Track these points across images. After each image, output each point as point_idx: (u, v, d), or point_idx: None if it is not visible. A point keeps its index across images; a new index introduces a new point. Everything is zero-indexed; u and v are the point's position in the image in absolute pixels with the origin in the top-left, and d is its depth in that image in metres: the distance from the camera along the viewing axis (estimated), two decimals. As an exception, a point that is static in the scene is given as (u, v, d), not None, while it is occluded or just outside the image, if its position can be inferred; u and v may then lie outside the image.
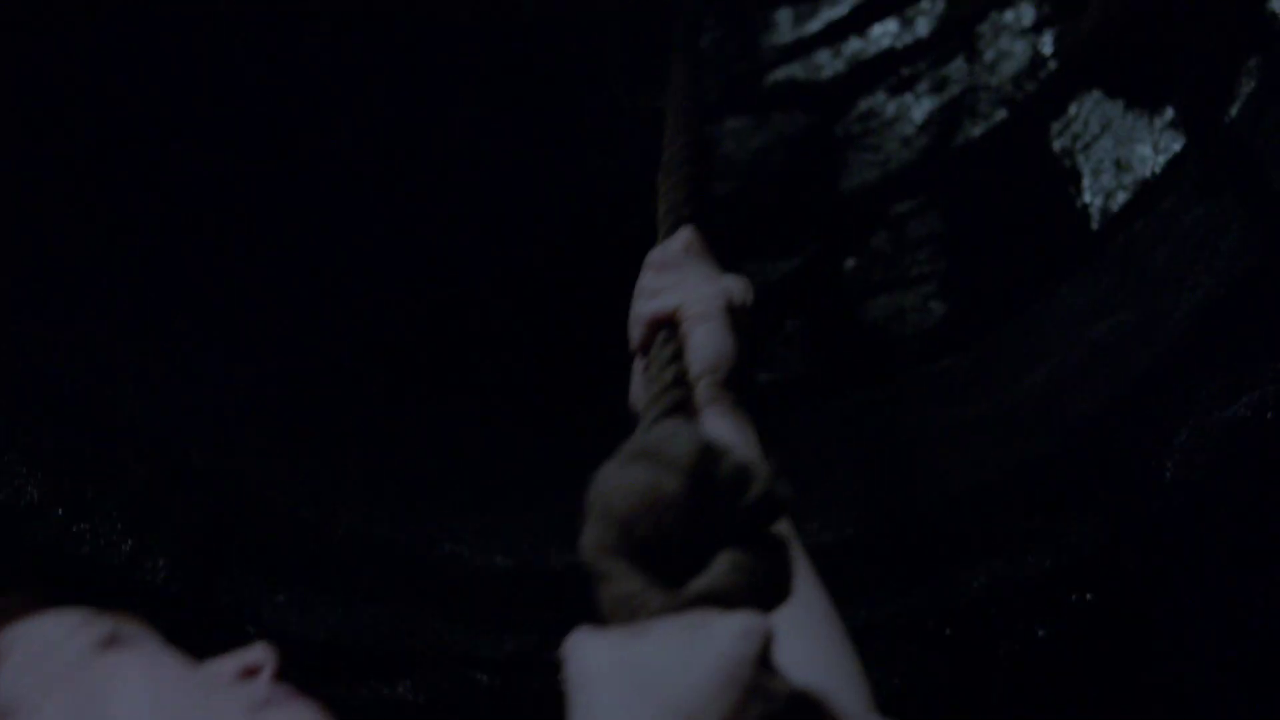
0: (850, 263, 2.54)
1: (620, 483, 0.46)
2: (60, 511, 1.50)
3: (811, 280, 2.56)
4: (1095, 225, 2.01)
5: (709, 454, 0.46)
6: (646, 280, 1.00)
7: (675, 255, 1.02)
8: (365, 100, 2.45)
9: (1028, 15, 2.44)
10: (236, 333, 1.93)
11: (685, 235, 1.05)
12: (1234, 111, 1.75)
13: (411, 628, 1.73)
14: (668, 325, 0.94)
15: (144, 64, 1.97)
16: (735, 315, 0.95)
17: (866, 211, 2.55)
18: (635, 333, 0.98)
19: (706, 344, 0.92)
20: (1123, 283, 1.84)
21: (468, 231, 2.40)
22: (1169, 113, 1.93)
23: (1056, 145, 2.19)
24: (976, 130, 2.46)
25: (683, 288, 0.97)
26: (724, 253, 1.08)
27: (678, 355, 0.89)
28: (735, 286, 0.98)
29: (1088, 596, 1.63)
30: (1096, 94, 2.15)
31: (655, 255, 1.03)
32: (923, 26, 2.67)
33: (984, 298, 2.24)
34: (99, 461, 1.58)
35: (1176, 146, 1.88)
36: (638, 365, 0.99)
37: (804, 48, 2.85)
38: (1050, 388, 1.83)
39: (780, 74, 2.85)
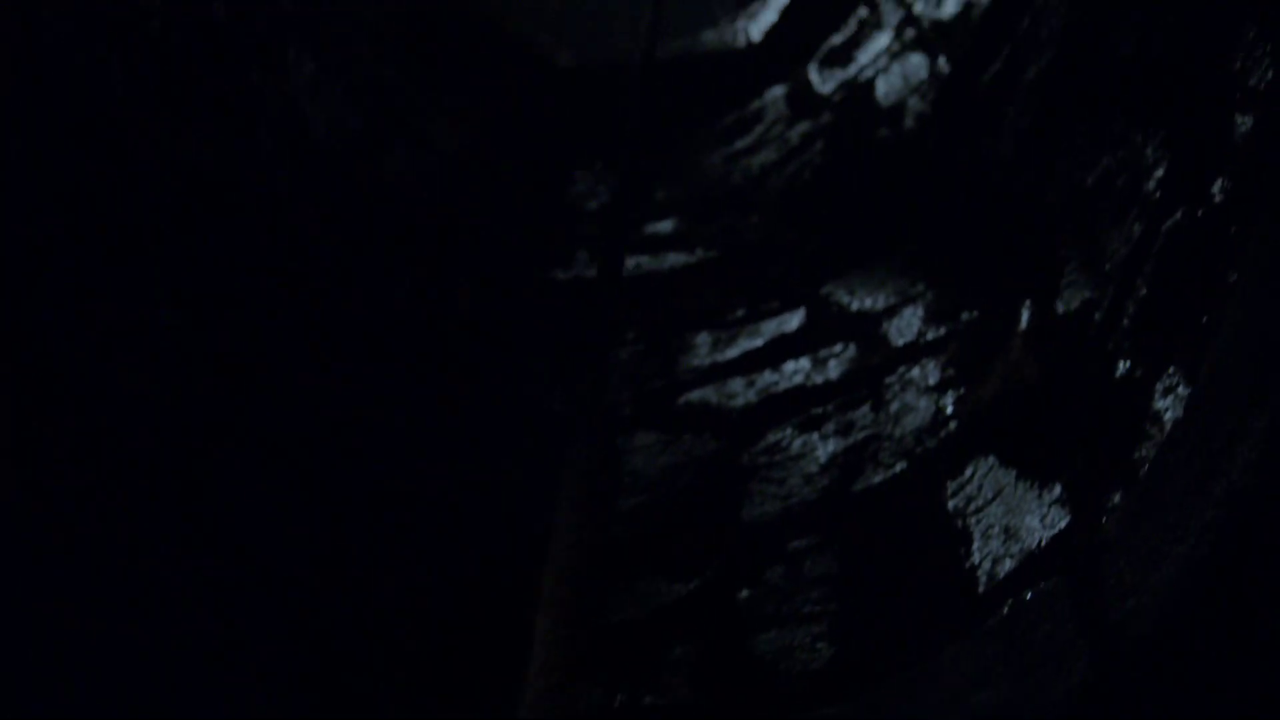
0: (744, 593, 2.50)
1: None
2: None
3: (704, 606, 2.52)
4: (982, 589, 2.01)
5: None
6: None
7: None
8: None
9: (933, 374, 2.51)
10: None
11: None
12: (1118, 496, 1.78)
13: None
14: None
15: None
16: None
17: (765, 544, 2.54)
18: None
19: None
20: (1005, 654, 1.82)
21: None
22: (1058, 489, 1.96)
23: (951, 504, 2.21)
24: (877, 478, 2.48)
25: None
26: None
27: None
28: None
29: None
30: (992, 459, 2.19)
31: None
32: (834, 369, 2.74)
33: (872, 647, 2.20)
34: None
35: (1062, 524, 1.89)
36: None
37: (719, 373, 2.91)
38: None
39: (694, 396, 2.89)
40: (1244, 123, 1.79)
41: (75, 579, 1.77)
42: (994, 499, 2.13)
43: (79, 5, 2.23)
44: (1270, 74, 1.72)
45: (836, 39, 4.20)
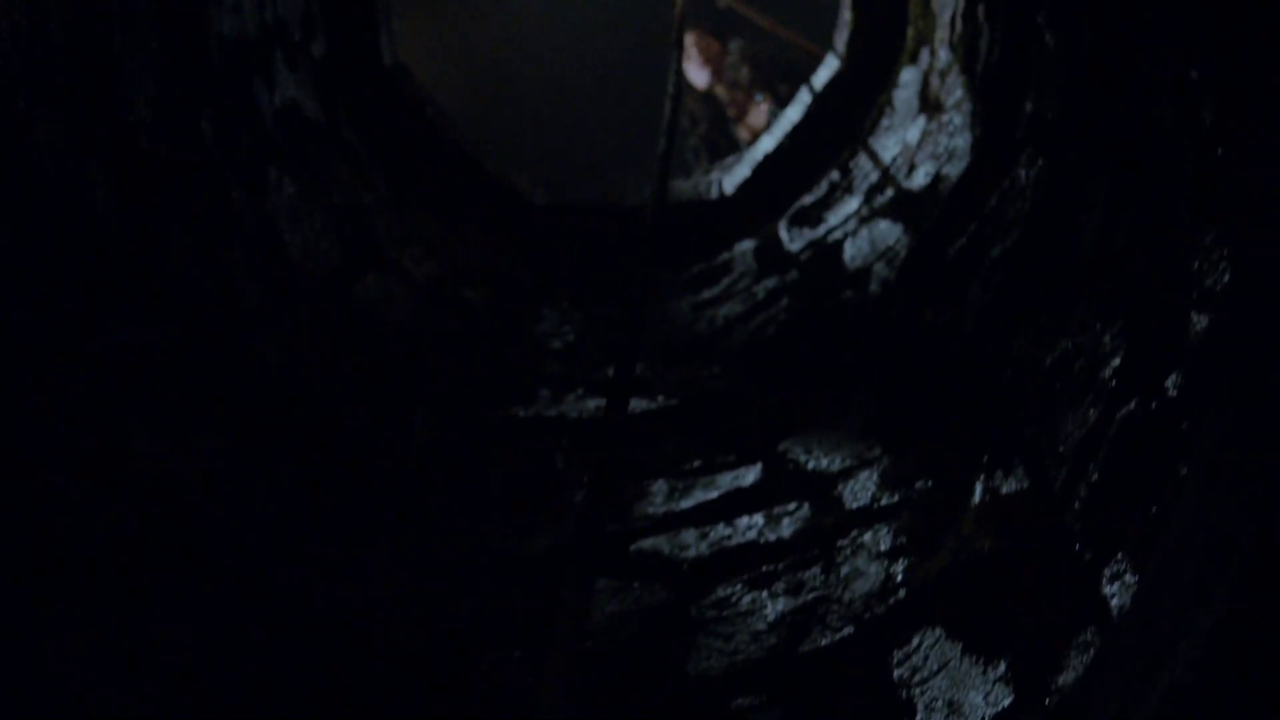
0: (686, 750, 2.48)
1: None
2: None
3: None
4: (926, 767, 2.00)
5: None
6: None
7: None
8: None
9: (885, 540, 2.53)
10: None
11: None
12: (1062, 679, 1.80)
13: None
14: None
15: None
16: None
17: (709, 700, 2.52)
18: None
19: None
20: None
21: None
22: (1003, 667, 1.97)
23: (896, 674, 2.21)
24: (824, 641, 2.48)
25: None
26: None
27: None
28: None
29: None
30: (939, 631, 2.20)
31: None
32: (787, 527, 2.75)
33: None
34: None
35: (1006, 702, 1.90)
36: None
37: (673, 523, 2.91)
38: None
39: (647, 544, 2.88)
40: (1199, 321, 1.85)
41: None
42: (939, 671, 2.14)
43: (69, 114, 2.26)
44: (1226, 277, 1.78)
45: (807, 199, 4.30)
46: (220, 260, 2.84)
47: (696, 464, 3.12)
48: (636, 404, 3.41)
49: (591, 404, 3.43)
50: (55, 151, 2.15)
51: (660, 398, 3.46)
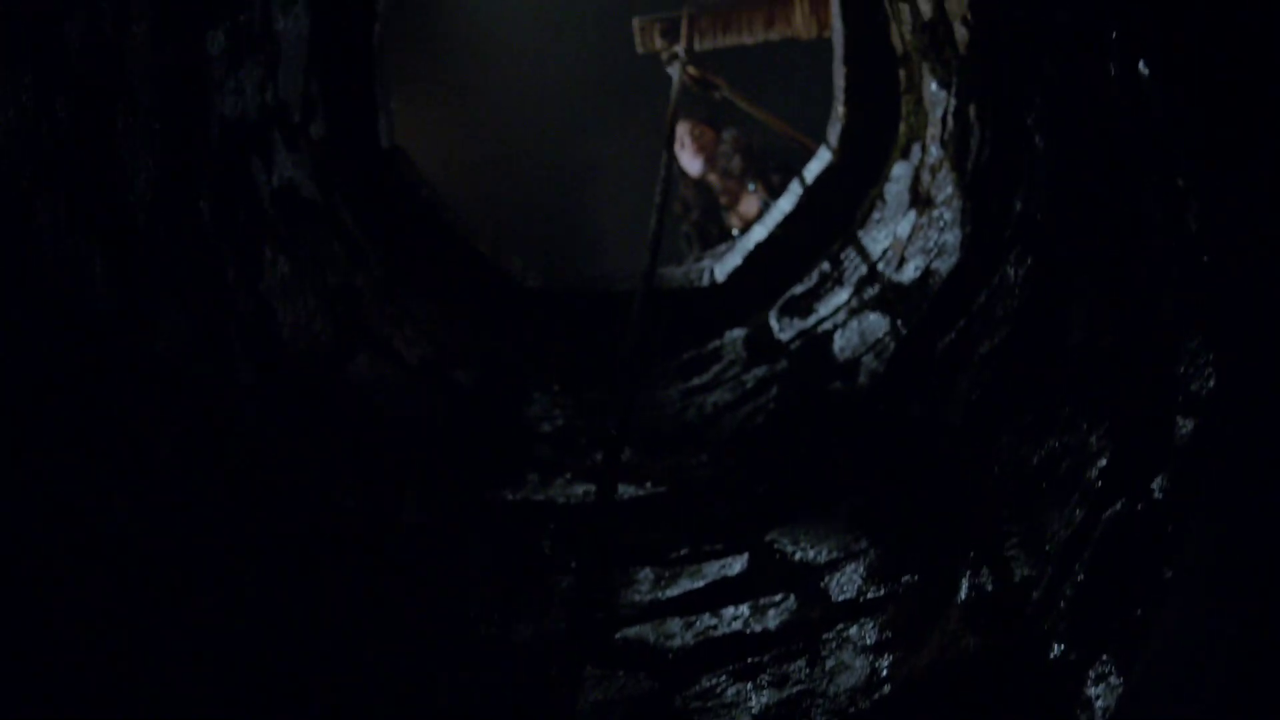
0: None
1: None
2: None
3: None
4: None
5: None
6: None
7: None
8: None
9: (870, 634, 2.52)
10: None
11: None
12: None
13: None
14: None
15: None
16: None
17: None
18: None
19: None
20: None
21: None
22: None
23: (882, 774, 2.19)
24: (809, 736, 2.46)
25: None
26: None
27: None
28: None
29: None
30: (925, 729, 2.19)
31: None
32: (773, 619, 2.74)
33: None
34: None
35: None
36: None
37: (659, 611, 2.90)
38: None
39: (632, 632, 2.87)
40: (1185, 425, 1.86)
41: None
42: (928, 770, 2.12)
43: (70, 192, 2.29)
44: (1211, 383, 1.80)
45: (798, 288, 4.33)
46: (214, 339, 2.85)
47: (683, 552, 3.12)
48: (624, 490, 3.41)
49: (580, 489, 3.43)
50: (55, 229, 2.17)
51: (648, 484, 3.46)
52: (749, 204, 7.42)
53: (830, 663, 2.55)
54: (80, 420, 2.18)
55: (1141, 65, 1.93)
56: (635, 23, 7.00)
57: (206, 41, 3.08)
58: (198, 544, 2.40)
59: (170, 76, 2.83)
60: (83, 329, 2.25)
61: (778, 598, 2.80)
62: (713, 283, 4.69)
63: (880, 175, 4.24)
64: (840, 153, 4.48)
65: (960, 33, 3.28)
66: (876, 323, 3.66)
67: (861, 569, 2.80)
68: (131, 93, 2.61)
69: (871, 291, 3.85)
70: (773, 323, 4.27)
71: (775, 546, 3.06)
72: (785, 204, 4.67)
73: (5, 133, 2.01)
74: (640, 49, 7.04)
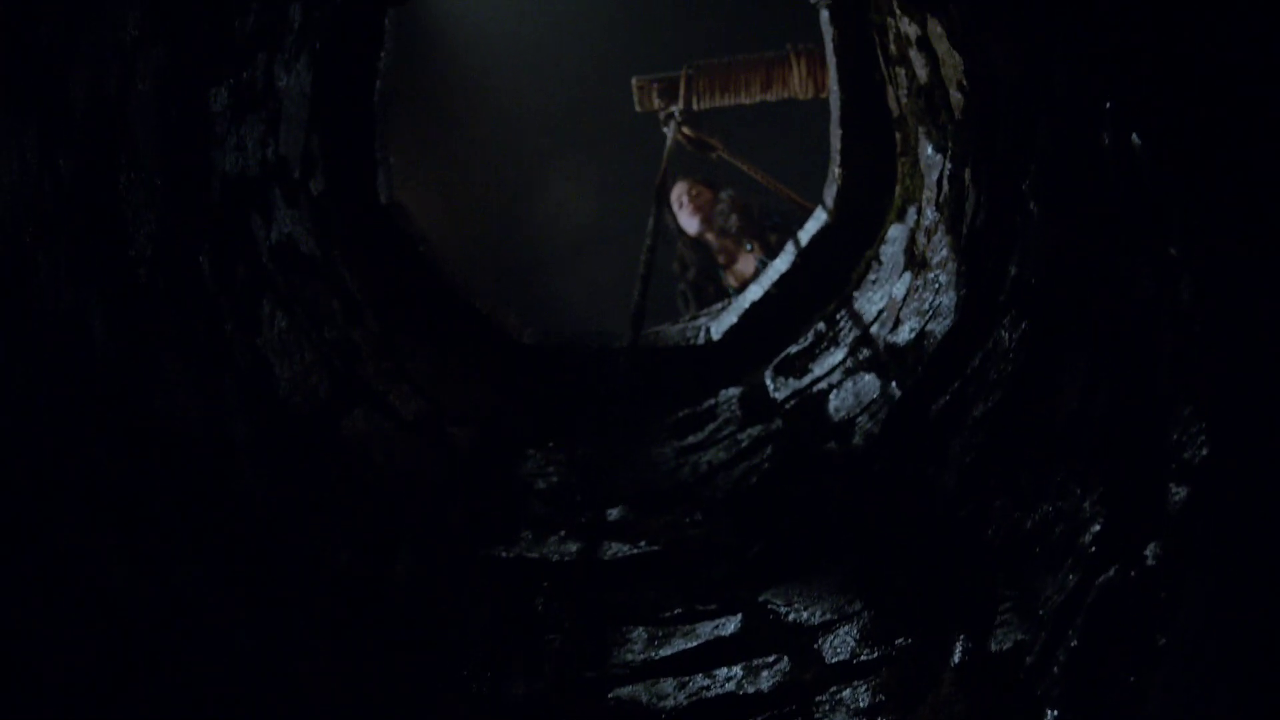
0: None
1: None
2: None
3: None
4: None
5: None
6: None
7: None
8: None
9: (864, 697, 2.52)
10: None
11: None
12: None
13: None
14: None
15: None
16: None
17: None
18: None
19: None
20: None
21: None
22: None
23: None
24: (802, 798, 2.44)
25: None
26: None
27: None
28: None
29: None
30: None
31: None
32: (766, 680, 2.73)
33: None
34: None
35: None
36: None
37: (652, 671, 2.89)
38: None
39: (625, 692, 2.86)
40: (1178, 493, 1.87)
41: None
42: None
43: (72, 247, 2.30)
44: (1204, 451, 1.81)
45: (793, 348, 4.35)
46: (210, 392, 2.86)
47: (677, 611, 3.11)
48: (618, 549, 3.40)
49: (573, 547, 3.42)
50: (56, 283, 2.18)
51: (642, 543, 3.46)
52: (746, 263, 7.46)
53: (824, 726, 2.54)
54: (75, 473, 2.18)
55: (1135, 136, 1.96)
56: (634, 82, 7.06)
57: (210, 98, 3.11)
58: (190, 599, 2.39)
59: (173, 133, 2.85)
60: (82, 383, 2.25)
61: (771, 659, 2.79)
62: (709, 341, 4.70)
63: (876, 237, 4.27)
64: (836, 214, 4.51)
65: (956, 97, 3.32)
66: (871, 384, 3.68)
67: (855, 631, 2.79)
68: (134, 148, 2.63)
69: (866, 352, 3.86)
70: (768, 382, 4.28)
71: (769, 607, 3.05)
72: (781, 264, 4.70)
73: (9, 188, 2.03)
74: (638, 108, 7.10)
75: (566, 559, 3.38)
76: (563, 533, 3.53)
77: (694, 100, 6.80)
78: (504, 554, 3.40)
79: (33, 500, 2.02)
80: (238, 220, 3.31)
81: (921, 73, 3.60)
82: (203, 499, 2.63)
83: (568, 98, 9.70)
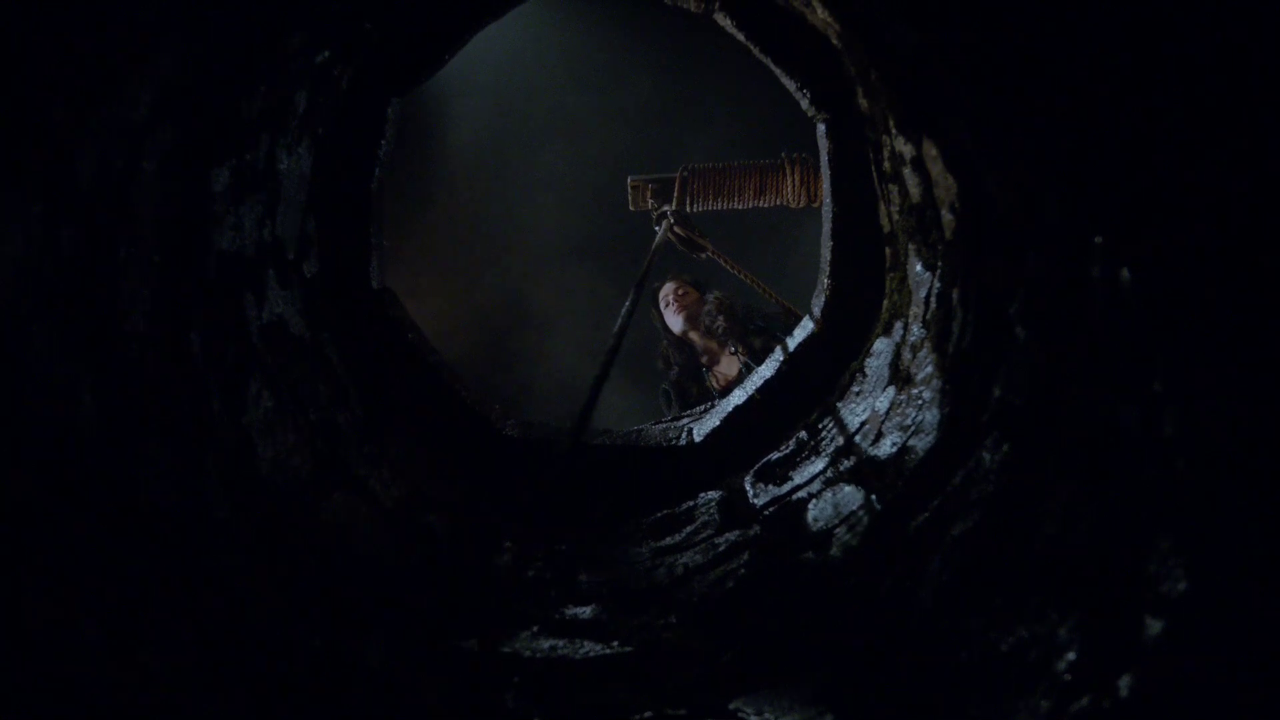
0: None
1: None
2: None
3: None
4: None
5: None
6: None
7: None
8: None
9: (833, 816, 2.49)
10: None
11: None
12: None
13: None
14: None
15: None
16: None
17: None
18: None
19: None
20: None
21: None
22: None
23: None
24: None
25: None
26: None
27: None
28: None
29: None
30: None
31: None
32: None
33: None
34: None
35: None
36: None
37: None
38: None
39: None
40: (1154, 625, 1.88)
41: None
42: None
43: (66, 322, 2.31)
44: (1182, 585, 1.83)
45: (774, 455, 4.36)
46: (192, 470, 2.85)
47: (647, 715, 3.08)
48: (590, 648, 3.38)
49: (545, 644, 3.40)
50: (49, 357, 2.19)
51: (615, 643, 3.44)
52: (729, 364, 7.50)
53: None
54: (54, 548, 2.17)
55: (1125, 272, 2.00)
56: (629, 181, 7.16)
57: (211, 178, 3.15)
58: (159, 679, 2.37)
59: (174, 211, 2.88)
60: (63, 454, 2.25)
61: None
62: (690, 443, 4.72)
63: (862, 349, 4.31)
64: (823, 324, 4.56)
65: (947, 218, 3.38)
66: (851, 495, 3.69)
67: (825, 745, 2.77)
68: (135, 226, 2.65)
69: (847, 463, 3.88)
70: (748, 487, 4.29)
71: (739, 715, 3.02)
72: (766, 370, 4.74)
73: (11, 260, 2.05)
74: (632, 207, 7.19)
75: (538, 655, 3.35)
76: (535, 628, 3.51)
77: (687, 202, 6.89)
78: (476, 647, 3.38)
79: (15, 572, 2.01)
80: (231, 299, 3.33)
81: (914, 191, 3.66)
82: (177, 578, 2.62)
83: (563, 195, 9.80)
